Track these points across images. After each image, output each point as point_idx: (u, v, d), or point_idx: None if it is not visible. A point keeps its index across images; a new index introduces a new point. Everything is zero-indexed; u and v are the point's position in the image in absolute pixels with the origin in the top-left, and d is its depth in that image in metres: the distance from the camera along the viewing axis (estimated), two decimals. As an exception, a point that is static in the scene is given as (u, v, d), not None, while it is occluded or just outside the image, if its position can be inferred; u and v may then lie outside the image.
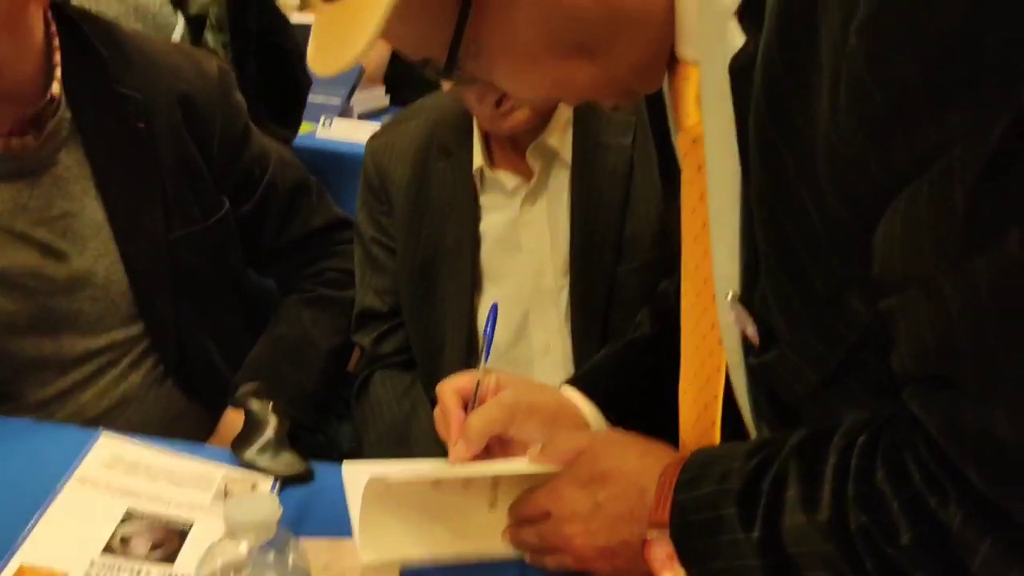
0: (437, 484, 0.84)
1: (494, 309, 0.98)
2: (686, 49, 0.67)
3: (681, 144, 0.74)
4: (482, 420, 0.85)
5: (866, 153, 0.50)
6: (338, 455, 1.44)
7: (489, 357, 1.26)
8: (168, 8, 1.81)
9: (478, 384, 0.89)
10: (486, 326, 0.96)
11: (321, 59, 0.65)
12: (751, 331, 0.65)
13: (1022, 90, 0.45)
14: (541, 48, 0.65)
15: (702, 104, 0.67)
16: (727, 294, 0.66)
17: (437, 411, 0.91)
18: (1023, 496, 0.50)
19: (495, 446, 0.89)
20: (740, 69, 0.58)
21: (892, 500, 0.55)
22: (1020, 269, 0.47)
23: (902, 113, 0.48)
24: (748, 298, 0.64)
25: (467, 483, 0.85)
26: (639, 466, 0.74)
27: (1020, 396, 0.49)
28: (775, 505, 0.61)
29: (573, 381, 0.96)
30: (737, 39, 0.59)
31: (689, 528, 0.66)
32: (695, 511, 0.66)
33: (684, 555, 0.67)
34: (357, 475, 0.93)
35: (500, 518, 0.85)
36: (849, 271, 0.56)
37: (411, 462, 0.95)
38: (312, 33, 0.68)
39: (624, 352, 1.02)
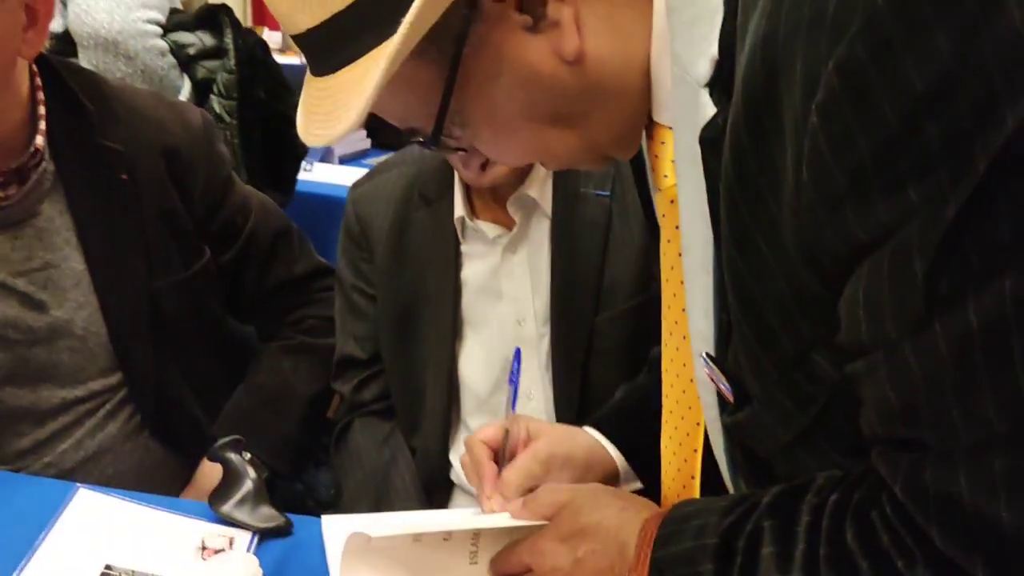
0: (418, 538, 0.84)
1: (518, 355, 0.97)
2: (661, 114, 0.70)
3: (660, 204, 0.76)
4: (520, 475, 0.86)
5: (827, 225, 0.53)
6: (316, 503, 1.44)
7: (461, 403, 1.27)
8: (175, 71, 1.84)
9: (507, 434, 0.89)
10: (510, 373, 0.95)
11: (311, 131, 0.67)
12: (724, 389, 0.66)
13: (970, 174, 0.47)
14: (521, 118, 0.67)
15: (677, 168, 0.69)
16: (702, 352, 0.68)
17: (465, 460, 0.92)
18: (984, 556, 0.52)
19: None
20: (709, 140, 0.60)
21: (862, 561, 0.57)
22: (978, 338, 0.49)
23: (858, 190, 0.50)
24: (722, 357, 0.66)
25: (448, 537, 0.85)
26: (619, 520, 0.75)
27: (979, 460, 0.51)
28: (750, 563, 0.62)
29: (595, 424, 0.97)
30: (708, 109, 0.61)
31: None
32: (672, 568, 0.67)
33: None
34: (337, 529, 0.92)
35: (481, 573, 0.85)
36: (816, 333, 0.58)
37: (391, 515, 0.94)
38: (301, 104, 0.70)
39: (639, 399, 1.02)
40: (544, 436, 0.90)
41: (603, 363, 1.23)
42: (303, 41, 0.65)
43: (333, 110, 0.63)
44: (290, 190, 2.02)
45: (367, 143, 2.79)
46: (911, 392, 0.52)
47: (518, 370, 0.94)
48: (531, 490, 0.87)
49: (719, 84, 0.60)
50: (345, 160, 2.65)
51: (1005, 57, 0.46)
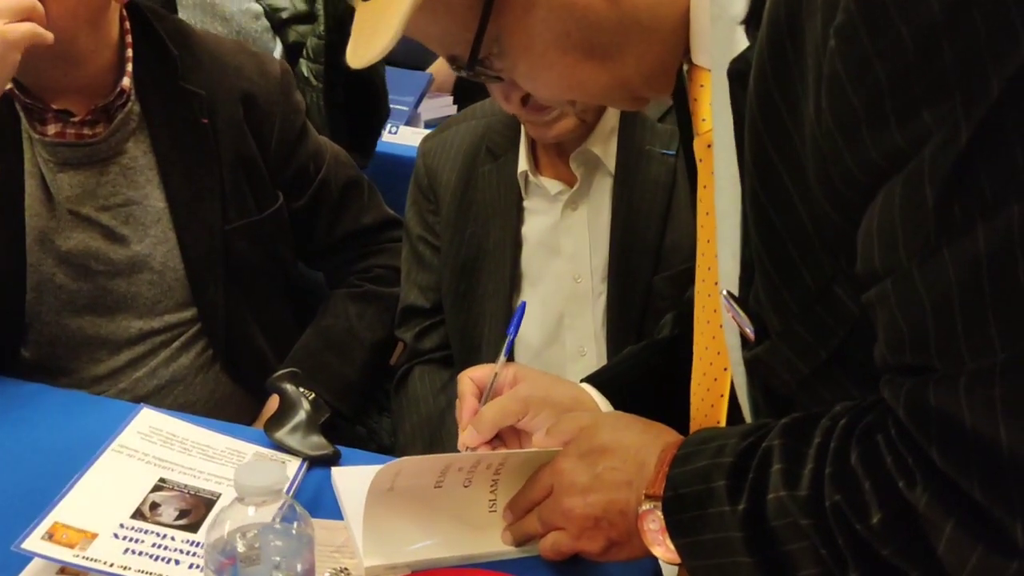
0: (438, 486, 0.85)
1: (521, 308, 1.01)
2: (700, 55, 0.69)
3: (697, 149, 0.76)
4: (495, 410, 0.88)
5: (845, 151, 0.52)
6: (377, 447, 1.48)
7: (515, 356, 1.30)
8: (268, 34, 1.90)
9: (495, 376, 0.91)
10: (510, 323, 0.99)
11: (354, 52, 0.69)
12: (746, 329, 0.66)
13: (984, 99, 0.46)
14: (556, 50, 0.67)
15: (712, 109, 0.69)
16: (725, 292, 0.68)
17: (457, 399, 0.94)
18: (983, 477, 0.52)
19: (510, 438, 0.92)
20: (737, 73, 0.60)
21: (864, 480, 0.57)
22: (985, 266, 0.49)
23: (873, 113, 0.50)
24: (744, 295, 0.65)
25: (468, 484, 0.86)
26: (639, 441, 0.76)
27: (981, 384, 0.51)
28: (760, 480, 0.63)
29: (590, 379, 0.98)
30: (741, 45, 0.60)
31: (680, 501, 0.68)
32: (687, 484, 0.68)
33: (674, 528, 0.68)
34: (348, 480, 0.94)
35: (498, 520, 0.87)
36: (836, 266, 0.58)
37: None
38: (352, 30, 0.72)
39: (641, 353, 1.03)
40: (527, 380, 0.92)
41: (657, 322, 1.22)
42: None
43: (374, 32, 0.65)
44: (369, 152, 2.05)
45: (452, 109, 2.81)
46: (919, 318, 0.52)
47: (519, 322, 0.98)
48: (515, 429, 0.89)
49: (752, 20, 0.60)
50: (431, 125, 2.68)
51: None
